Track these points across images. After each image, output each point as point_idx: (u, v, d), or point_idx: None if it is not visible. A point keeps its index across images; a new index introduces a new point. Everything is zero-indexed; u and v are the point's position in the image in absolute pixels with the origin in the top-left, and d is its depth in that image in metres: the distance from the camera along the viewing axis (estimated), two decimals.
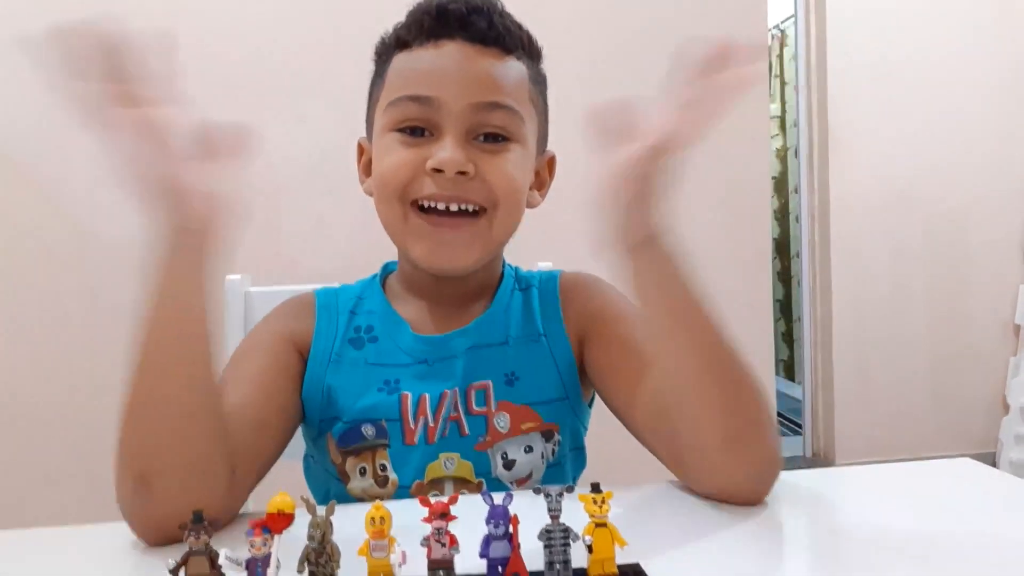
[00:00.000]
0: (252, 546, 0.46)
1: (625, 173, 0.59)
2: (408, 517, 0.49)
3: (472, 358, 0.78)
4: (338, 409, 0.78)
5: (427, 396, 0.77)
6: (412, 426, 0.76)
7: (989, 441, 2.92)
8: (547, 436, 0.78)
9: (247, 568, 0.46)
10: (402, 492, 0.75)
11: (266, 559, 0.46)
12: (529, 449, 0.77)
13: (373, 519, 0.46)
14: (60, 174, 1.84)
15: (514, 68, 0.75)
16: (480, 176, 0.71)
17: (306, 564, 0.46)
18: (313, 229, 1.91)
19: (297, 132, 1.91)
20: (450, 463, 0.76)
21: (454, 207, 0.72)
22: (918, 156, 2.90)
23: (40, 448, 1.84)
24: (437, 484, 0.76)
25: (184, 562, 0.46)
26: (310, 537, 0.46)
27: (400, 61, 0.75)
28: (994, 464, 2.88)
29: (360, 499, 0.77)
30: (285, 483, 0.70)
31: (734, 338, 0.64)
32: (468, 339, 0.79)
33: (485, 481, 0.76)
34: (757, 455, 0.64)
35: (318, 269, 1.82)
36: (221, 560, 0.46)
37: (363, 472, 0.76)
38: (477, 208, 0.73)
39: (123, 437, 0.60)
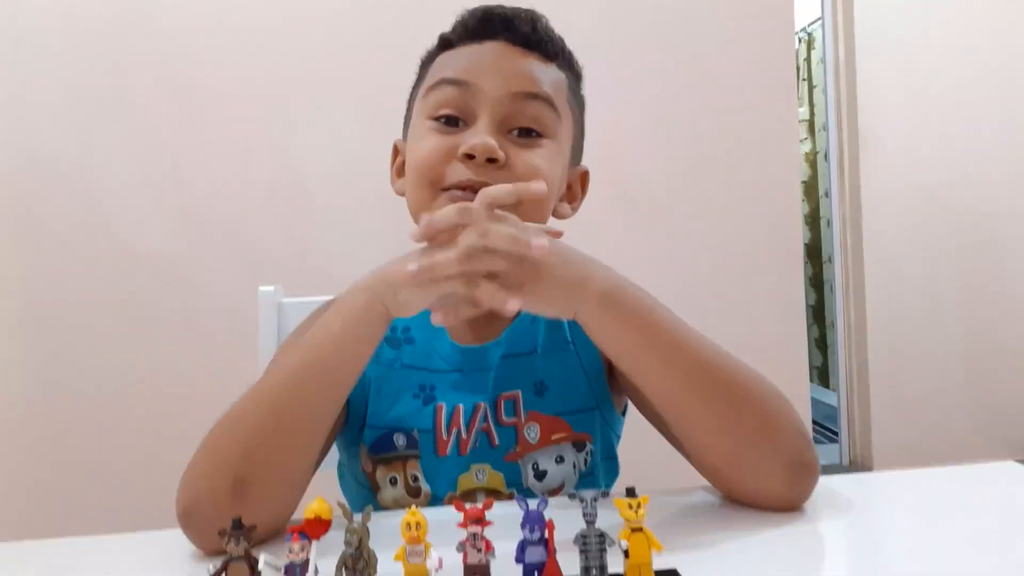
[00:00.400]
0: (290, 552, 0.46)
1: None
2: (444, 523, 0.49)
3: (502, 368, 0.78)
4: (371, 414, 0.78)
5: (461, 407, 0.77)
6: (445, 437, 0.76)
7: None
8: (579, 446, 0.78)
9: (286, 574, 0.46)
10: (435, 503, 0.76)
11: (304, 565, 0.46)
12: (560, 460, 0.77)
13: (409, 525, 0.46)
14: (94, 181, 1.88)
15: (553, 73, 0.76)
16: (509, 167, 0.71)
17: (343, 570, 0.47)
18: (344, 238, 1.93)
19: (326, 140, 1.93)
20: (481, 474, 0.76)
21: None
22: (951, 157, 2.85)
23: (71, 455, 1.87)
24: (469, 496, 0.76)
25: (224, 568, 0.46)
26: (347, 543, 0.47)
27: (442, 58, 0.77)
28: None
29: (391, 509, 0.76)
30: (321, 493, 0.71)
31: (723, 355, 0.65)
32: (501, 349, 0.79)
33: (516, 492, 0.76)
34: (769, 465, 0.62)
35: (350, 278, 1.84)
36: (261, 566, 0.46)
37: (393, 482, 0.77)
38: None
39: (234, 438, 0.63)
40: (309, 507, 0.48)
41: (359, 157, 1.91)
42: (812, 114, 3.78)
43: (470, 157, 0.70)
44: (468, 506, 0.47)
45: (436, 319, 0.61)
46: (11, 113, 1.86)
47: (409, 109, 0.81)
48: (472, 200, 0.62)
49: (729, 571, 0.51)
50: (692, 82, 2.05)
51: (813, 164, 3.80)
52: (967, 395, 2.87)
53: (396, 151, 0.83)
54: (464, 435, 0.76)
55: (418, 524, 0.46)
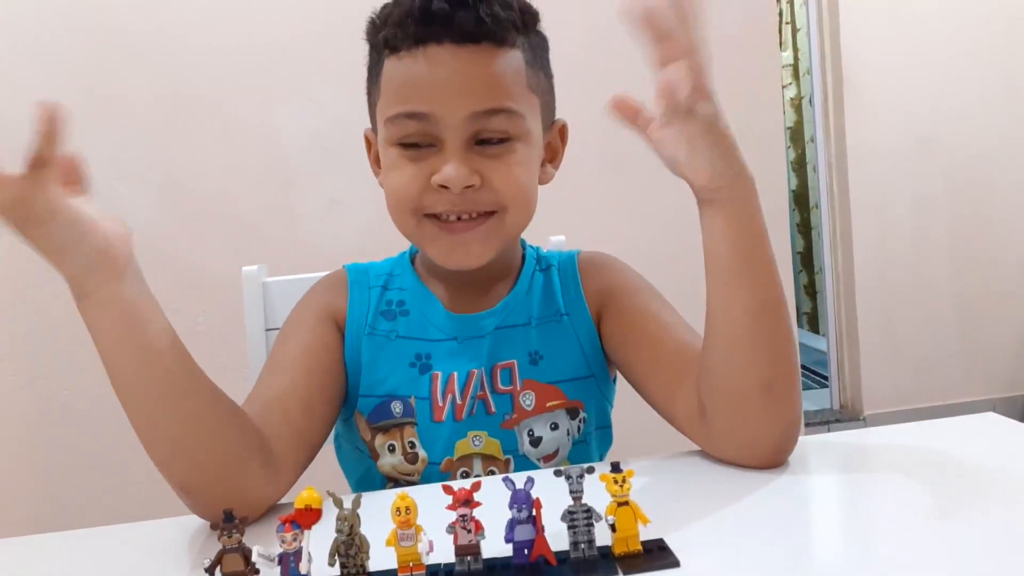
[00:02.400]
0: (283, 541, 0.47)
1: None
2: (433, 505, 0.50)
3: (497, 338, 0.80)
4: (368, 384, 0.79)
5: (455, 374, 0.78)
6: (440, 404, 0.78)
7: (1018, 383, 2.89)
8: (572, 414, 0.80)
9: (280, 563, 0.47)
10: (432, 468, 0.77)
11: (298, 553, 0.47)
12: (555, 426, 0.78)
13: (399, 509, 0.47)
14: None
15: (508, 62, 0.72)
16: (487, 184, 0.71)
17: (336, 556, 0.48)
18: (328, 212, 1.91)
19: (305, 113, 1.90)
20: (478, 440, 0.77)
21: (465, 216, 0.73)
22: (936, 99, 2.83)
23: (60, 442, 1.87)
24: (466, 461, 0.77)
25: (219, 560, 0.47)
26: (338, 530, 0.47)
27: (391, 68, 0.73)
28: None
29: (390, 476, 0.79)
30: (317, 468, 0.72)
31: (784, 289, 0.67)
32: (495, 320, 0.81)
33: (512, 458, 0.78)
34: (788, 407, 0.64)
35: (337, 253, 1.82)
36: (254, 557, 0.47)
37: (392, 449, 0.78)
38: (488, 211, 0.73)
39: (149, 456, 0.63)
40: (299, 496, 0.48)
41: (342, 132, 1.88)
42: (796, 58, 3.73)
43: (445, 187, 0.70)
44: (456, 487, 0.48)
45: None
46: None
47: (370, 105, 0.79)
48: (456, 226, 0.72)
49: (714, 539, 0.52)
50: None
51: (799, 109, 3.77)
52: (956, 336, 2.90)
53: (368, 142, 0.82)
54: (459, 401, 0.78)
55: (408, 508, 0.47)
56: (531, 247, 0.87)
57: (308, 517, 0.47)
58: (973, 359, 2.90)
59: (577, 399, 0.80)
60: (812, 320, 3.90)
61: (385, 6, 0.75)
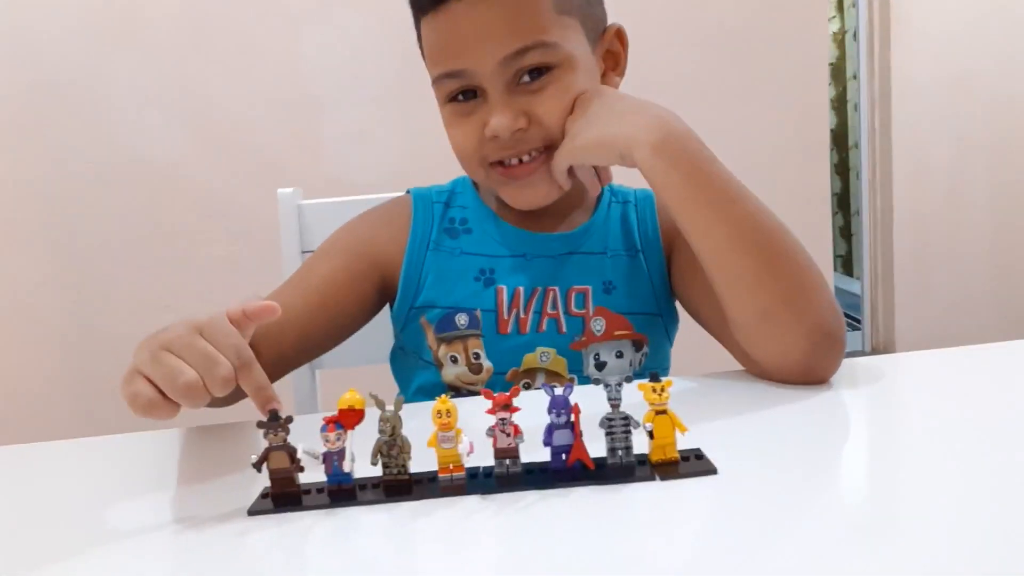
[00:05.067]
0: (327, 441, 0.48)
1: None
2: (473, 411, 0.51)
3: (573, 263, 0.82)
4: (434, 296, 0.82)
5: (521, 289, 0.81)
6: (506, 317, 0.80)
7: None
8: (637, 346, 0.81)
9: (324, 461, 0.48)
10: (497, 378, 0.80)
11: (341, 452, 0.48)
12: (620, 355, 0.79)
13: (439, 412, 0.48)
14: (107, 98, 1.87)
15: None
16: (535, 122, 0.74)
17: (379, 456, 0.49)
18: (356, 140, 1.90)
19: (331, 41, 1.88)
20: (546, 356, 0.80)
21: (525, 157, 0.76)
22: (986, 39, 2.71)
23: (103, 365, 1.93)
24: (530, 374, 0.80)
25: (265, 457, 0.48)
26: (381, 431, 0.48)
27: (426, 31, 0.76)
28: None
29: (453, 385, 0.81)
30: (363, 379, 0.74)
31: (770, 214, 0.67)
32: (567, 244, 0.83)
33: (577, 378, 0.80)
34: (797, 327, 0.64)
35: (364, 181, 1.83)
36: (299, 454, 0.48)
37: (454, 360, 0.81)
38: (545, 146, 0.76)
39: None
40: (342, 398, 0.49)
41: (363, 54, 1.86)
42: None
43: (497, 136, 0.73)
44: (496, 393, 0.48)
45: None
46: (21, 38, 1.83)
47: (421, 47, 0.81)
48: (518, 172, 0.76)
49: (751, 450, 0.52)
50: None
51: (841, 44, 3.64)
52: (992, 279, 2.85)
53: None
54: (523, 315, 0.80)
55: (448, 411, 0.48)
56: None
57: (351, 417, 0.48)
58: (1008, 304, 2.85)
59: (643, 332, 0.81)
60: (847, 263, 3.85)
61: None
